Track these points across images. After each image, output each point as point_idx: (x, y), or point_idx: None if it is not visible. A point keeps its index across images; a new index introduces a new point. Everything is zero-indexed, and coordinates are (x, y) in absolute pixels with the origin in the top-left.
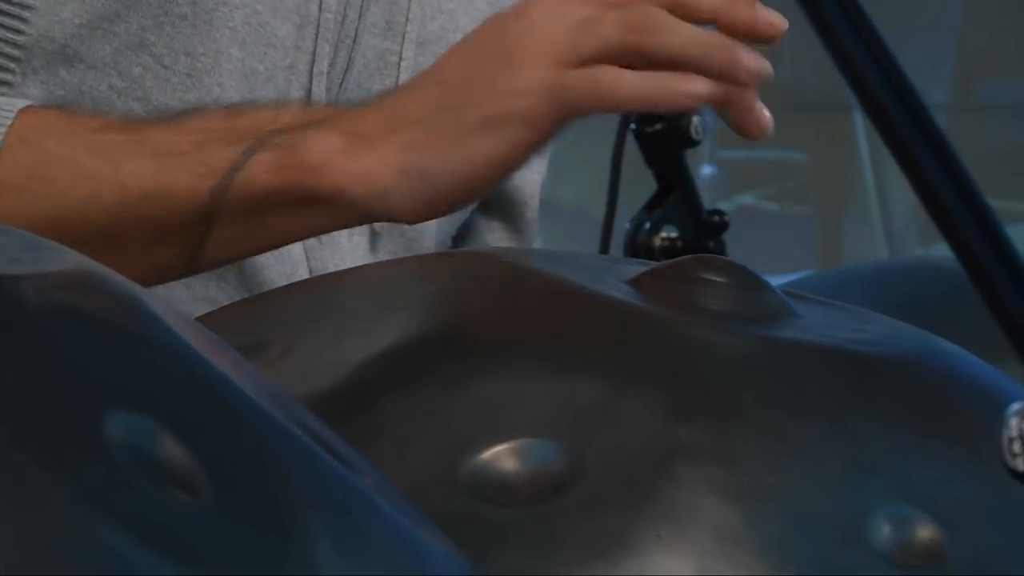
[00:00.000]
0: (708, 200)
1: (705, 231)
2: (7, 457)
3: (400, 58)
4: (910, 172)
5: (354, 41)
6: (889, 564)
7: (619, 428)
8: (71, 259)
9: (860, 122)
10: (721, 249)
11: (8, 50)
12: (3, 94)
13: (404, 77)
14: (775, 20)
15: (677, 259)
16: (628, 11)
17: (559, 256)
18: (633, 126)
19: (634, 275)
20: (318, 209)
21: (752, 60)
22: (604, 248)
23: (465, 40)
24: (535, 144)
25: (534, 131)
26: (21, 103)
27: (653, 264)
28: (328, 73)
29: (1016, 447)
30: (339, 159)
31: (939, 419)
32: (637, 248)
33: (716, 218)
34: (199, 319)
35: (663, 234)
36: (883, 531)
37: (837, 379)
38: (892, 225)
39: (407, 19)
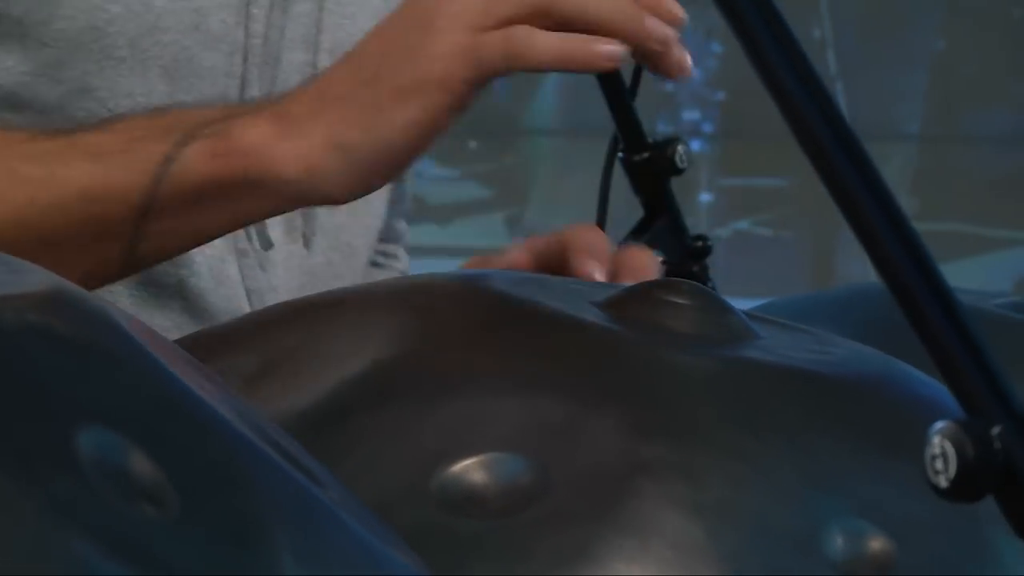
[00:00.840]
0: (706, 225)
1: (690, 256)
2: None
3: (315, 68)
4: (838, 196)
5: (277, 60)
6: (842, 575)
7: (585, 444)
8: (46, 280)
9: None
10: (704, 273)
11: None
12: None
13: None
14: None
15: (643, 282)
16: None
17: (530, 279)
18: (621, 155)
19: (603, 298)
20: (253, 194)
21: (660, 26)
22: None
23: (384, 19)
24: (454, 108)
25: (451, 95)
26: None
27: (621, 287)
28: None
29: (939, 464)
30: (270, 142)
31: (893, 437)
32: None
33: (700, 243)
34: (180, 340)
35: None
36: (836, 543)
37: (796, 398)
38: None
39: (318, 30)
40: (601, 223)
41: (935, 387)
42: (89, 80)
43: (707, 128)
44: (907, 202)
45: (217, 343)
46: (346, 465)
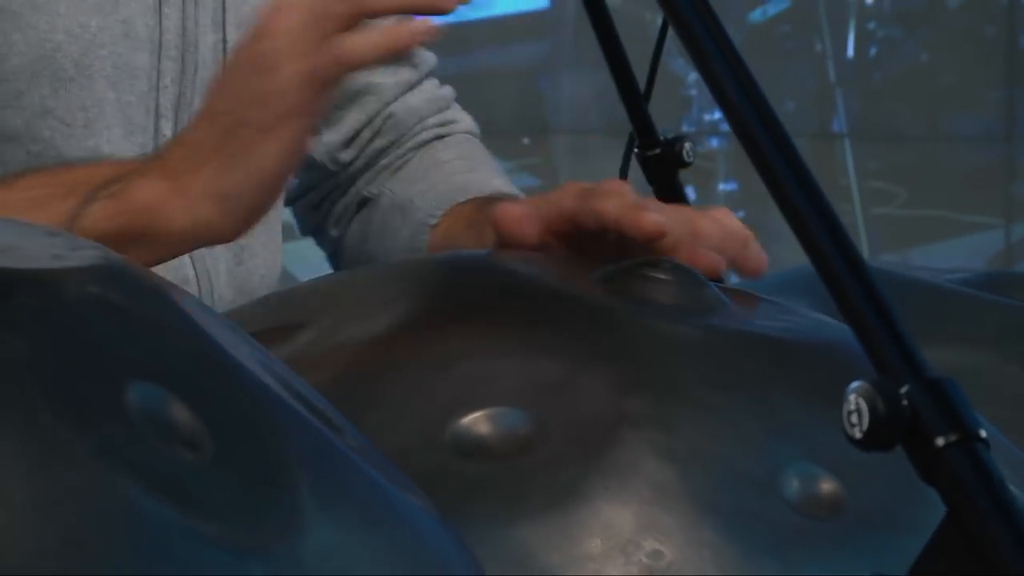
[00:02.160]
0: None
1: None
2: (44, 420)
3: (225, 41)
4: (769, 184)
5: (196, 46)
6: (797, 513)
7: (576, 399)
8: (105, 256)
9: (848, 150)
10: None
11: None
12: None
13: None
14: None
15: (630, 260)
16: None
17: (533, 258)
18: (636, 150)
19: (595, 273)
20: (150, 244)
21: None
22: None
23: (224, 69)
24: (312, 125)
25: (307, 117)
26: None
27: (612, 264)
28: (180, 81)
29: (854, 419)
30: (163, 199)
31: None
32: None
33: None
34: (233, 311)
35: None
36: (793, 485)
37: (759, 360)
38: (872, 235)
39: (224, 7)
40: None
41: None
42: (47, 103)
43: (724, 127)
44: (896, 191)
45: (252, 314)
46: (369, 419)
